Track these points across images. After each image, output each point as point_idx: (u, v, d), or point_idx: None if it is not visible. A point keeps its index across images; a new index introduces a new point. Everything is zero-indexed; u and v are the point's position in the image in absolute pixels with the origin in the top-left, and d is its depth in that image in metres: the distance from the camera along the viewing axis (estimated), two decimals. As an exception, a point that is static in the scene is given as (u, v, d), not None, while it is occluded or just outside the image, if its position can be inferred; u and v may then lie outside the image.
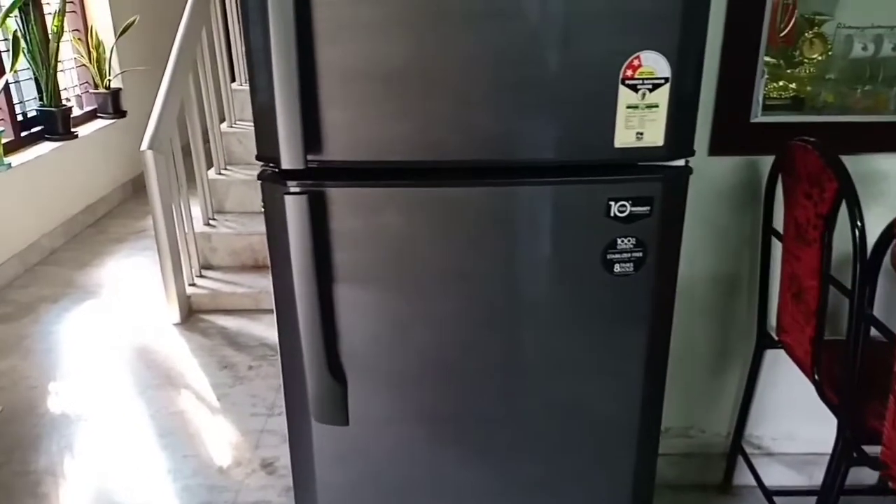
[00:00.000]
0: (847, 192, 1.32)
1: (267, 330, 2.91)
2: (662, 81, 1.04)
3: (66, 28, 3.88)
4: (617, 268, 1.14)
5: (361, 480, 1.34)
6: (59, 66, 3.93)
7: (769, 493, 1.84)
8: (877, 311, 1.34)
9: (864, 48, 1.63)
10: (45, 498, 1.99)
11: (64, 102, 3.97)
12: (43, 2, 3.86)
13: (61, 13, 3.79)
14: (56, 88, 3.86)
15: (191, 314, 3.06)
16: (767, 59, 1.60)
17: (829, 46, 1.65)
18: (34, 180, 3.61)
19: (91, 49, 4.26)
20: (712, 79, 1.56)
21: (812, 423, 1.84)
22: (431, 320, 1.20)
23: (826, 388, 1.49)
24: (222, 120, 3.68)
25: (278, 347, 1.25)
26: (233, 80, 3.90)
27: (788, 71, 1.68)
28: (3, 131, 3.44)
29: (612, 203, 1.10)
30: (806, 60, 1.67)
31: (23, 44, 3.57)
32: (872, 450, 1.39)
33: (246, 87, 3.88)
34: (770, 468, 1.94)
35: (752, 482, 1.89)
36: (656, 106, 1.05)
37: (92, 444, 2.22)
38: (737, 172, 1.68)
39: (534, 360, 1.23)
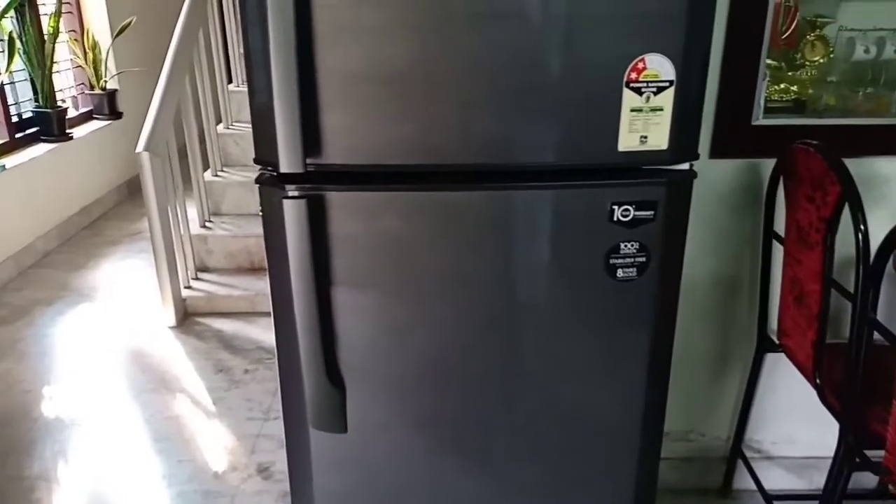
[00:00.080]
0: (850, 196, 1.31)
1: (263, 333, 2.89)
2: (667, 84, 1.02)
3: (62, 29, 3.87)
4: (620, 273, 1.13)
5: (359, 487, 1.32)
6: (55, 67, 3.91)
7: (769, 497, 1.83)
8: (879, 315, 1.33)
9: (866, 51, 1.63)
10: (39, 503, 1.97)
11: (59, 104, 3.95)
12: (39, 2, 3.84)
13: (57, 14, 3.77)
14: (52, 89, 3.84)
15: (186, 317, 3.04)
16: (769, 61, 1.59)
17: (831, 49, 1.64)
18: (29, 182, 3.58)
19: (87, 50, 4.24)
20: (714, 81, 1.55)
21: (812, 427, 1.84)
22: (432, 325, 1.19)
23: (827, 392, 1.48)
24: (219, 121, 3.67)
25: (275, 353, 1.23)
26: (230, 81, 3.89)
27: (790, 73, 1.67)
28: (-3, 133, 3.42)
29: (616, 207, 1.09)
30: (807, 63, 1.66)
31: (18, 44, 3.55)
32: (874, 454, 1.38)
33: (242, 88, 3.87)
34: (770, 472, 1.93)
35: (752, 486, 1.88)
36: (661, 109, 1.03)
37: (86, 449, 2.20)
38: (738, 175, 1.67)
39: (535, 366, 1.22)
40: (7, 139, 3.60)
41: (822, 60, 1.66)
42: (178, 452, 2.17)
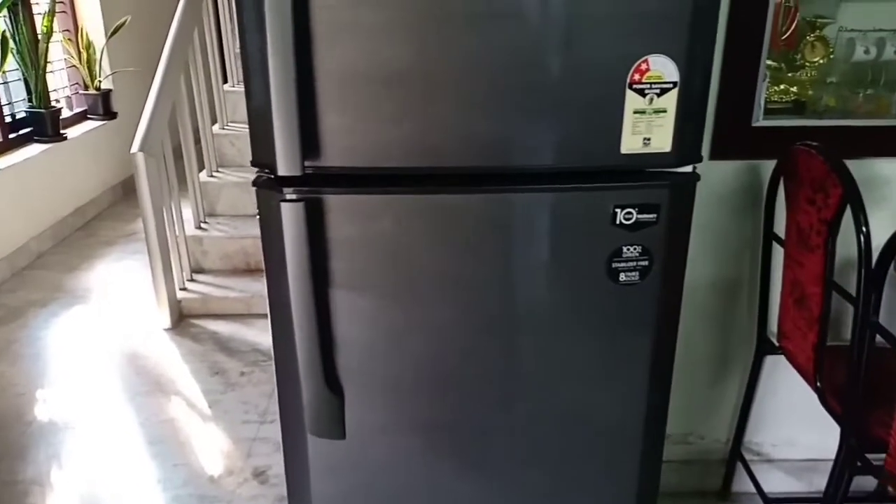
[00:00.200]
0: (852, 198, 1.30)
1: (259, 335, 2.88)
2: (671, 86, 1.01)
3: (55, 28, 3.84)
4: (622, 277, 1.11)
5: (358, 492, 1.31)
6: (49, 67, 3.88)
7: (768, 500, 1.82)
8: (880, 317, 1.32)
9: (866, 51, 1.62)
10: (33, 508, 1.95)
11: (53, 104, 3.92)
12: (32, 2, 3.81)
13: (51, 13, 3.74)
14: (45, 89, 3.81)
15: (181, 319, 3.02)
16: (768, 62, 1.58)
17: (831, 50, 1.63)
18: (23, 183, 3.55)
19: (81, 50, 4.21)
20: (714, 82, 1.54)
21: (812, 430, 1.83)
22: (432, 329, 1.18)
23: (828, 395, 1.47)
24: (214, 121, 3.64)
25: (273, 358, 1.22)
26: (225, 81, 3.86)
27: (790, 74, 1.66)
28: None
29: (618, 210, 1.07)
30: (807, 64, 1.65)
31: (11, 44, 3.52)
32: (875, 457, 1.38)
33: (238, 88, 3.85)
34: (769, 475, 1.92)
35: (752, 489, 1.87)
36: (664, 111, 1.02)
37: (80, 453, 2.18)
38: (738, 177, 1.66)
39: (535, 369, 1.21)
40: (0, 140, 3.57)
41: (821, 61, 1.65)
42: (174, 456, 2.15)
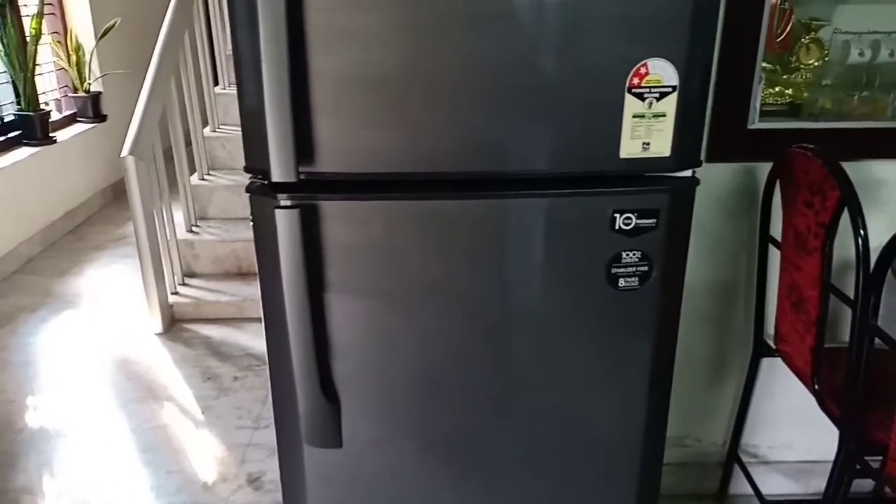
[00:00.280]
0: (850, 201, 1.30)
1: (252, 339, 2.85)
2: (670, 90, 1.00)
3: (44, 30, 3.80)
4: (622, 282, 1.10)
5: (355, 500, 1.29)
6: (38, 70, 3.84)
7: (766, 502, 1.82)
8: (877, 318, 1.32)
9: (861, 54, 1.62)
10: (24, 518, 1.93)
11: (42, 107, 3.88)
12: (20, 3, 3.78)
13: (39, 15, 3.70)
14: (34, 92, 3.77)
15: (173, 323, 2.99)
16: (764, 64, 1.57)
17: (826, 52, 1.63)
18: (11, 187, 3.52)
19: (70, 52, 4.17)
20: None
21: (809, 431, 1.82)
22: (430, 337, 1.16)
23: (826, 398, 1.46)
24: (205, 124, 3.62)
25: (267, 366, 1.20)
26: (216, 83, 3.84)
27: (785, 77, 1.66)
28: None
29: (618, 216, 1.06)
30: (802, 66, 1.65)
31: (-1, 46, 3.48)
32: (875, 459, 1.37)
33: (229, 90, 3.83)
34: (767, 477, 1.92)
35: (748, 491, 1.87)
36: (663, 115, 1.01)
37: (72, 461, 2.15)
38: (734, 179, 1.66)
39: (534, 377, 1.20)
40: (-12, 143, 3.54)
41: (817, 63, 1.65)
42: (167, 463, 2.13)
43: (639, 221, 1.07)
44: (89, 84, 4.30)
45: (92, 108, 4.33)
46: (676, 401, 1.81)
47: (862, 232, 1.29)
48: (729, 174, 1.65)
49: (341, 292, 1.12)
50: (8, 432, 2.28)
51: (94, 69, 4.32)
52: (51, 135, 3.90)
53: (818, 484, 1.90)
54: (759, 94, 1.58)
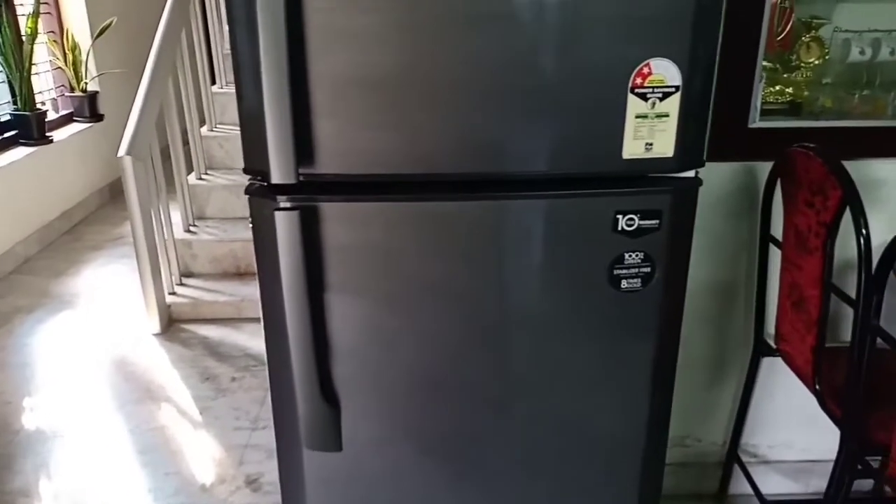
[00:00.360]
0: (852, 200, 1.29)
1: (250, 339, 2.84)
2: (673, 90, 0.99)
3: (40, 30, 3.78)
4: (624, 284, 1.10)
5: (355, 501, 1.28)
6: (34, 69, 3.83)
7: (766, 502, 1.81)
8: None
9: (862, 52, 1.61)
10: (21, 520, 1.92)
11: (39, 106, 3.86)
12: (16, 3, 3.76)
13: (35, 14, 3.68)
14: (30, 92, 3.75)
15: (171, 324, 2.98)
16: (764, 63, 1.57)
17: (827, 50, 1.63)
18: (8, 187, 3.50)
19: (67, 51, 4.15)
20: (710, 84, 1.53)
21: (809, 431, 1.82)
22: (431, 339, 1.15)
23: (827, 398, 1.46)
24: (202, 123, 3.60)
25: (265, 367, 1.19)
26: (213, 82, 3.82)
27: (785, 75, 1.65)
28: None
29: (620, 217, 1.06)
30: (803, 65, 1.65)
31: (-6, 46, 3.47)
32: (875, 458, 1.37)
33: (226, 89, 3.81)
34: (767, 476, 1.91)
35: (748, 490, 1.87)
36: (666, 115, 1.00)
37: (69, 463, 2.14)
38: (734, 178, 1.65)
39: (536, 379, 1.19)
40: (-16, 143, 3.52)
41: (817, 62, 1.65)
42: (165, 465, 2.12)
43: (641, 222, 1.06)
44: (86, 83, 4.28)
45: (88, 108, 4.31)
46: (676, 401, 1.80)
47: (864, 232, 1.28)
48: (729, 173, 1.64)
49: (341, 294, 1.11)
50: (4, 434, 2.27)
51: (91, 68, 4.31)
52: (47, 134, 3.88)
53: (818, 483, 1.90)
54: (760, 93, 1.57)
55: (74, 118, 4.31)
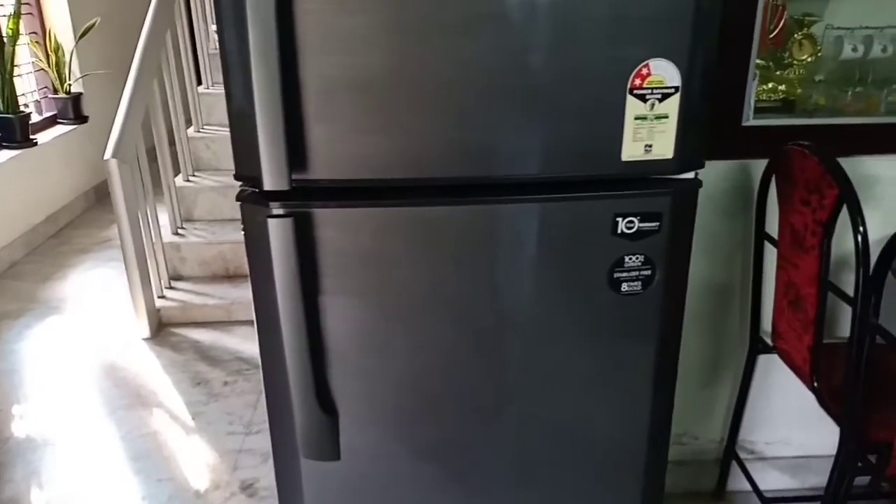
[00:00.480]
0: (849, 199, 1.29)
1: (241, 343, 2.82)
2: (672, 91, 0.98)
3: (22, 31, 3.73)
4: (624, 287, 1.08)
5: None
6: (16, 71, 3.78)
7: (764, 499, 1.81)
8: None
9: (854, 49, 1.61)
10: (11, 531, 1.89)
11: (22, 108, 3.81)
12: (-4, 4, 3.71)
13: (17, 15, 3.63)
14: (13, 94, 3.70)
15: (161, 328, 2.95)
16: (757, 61, 1.56)
17: (819, 48, 1.62)
18: (-9, 190, 3.46)
19: (49, 52, 4.09)
20: (704, 82, 1.52)
21: (806, 427, 1.82)
22: (427, 346, 1.14)
23: (826, 396, 1.46)
24: (189, 124, 3.57)
25: (259, 370, 1.17)
26: (199, 83, 3.78)
27: (778, 73, 1.64)
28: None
29: (620, 219, 1.04)
30: (795, 62, 1.64)
31: (-25, 48, 3.41)
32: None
33: (213, 90, 3.77)
34: (764, 473, 1.91)
35: (746, 487, 1.87)
36: (666, 117, 0.99)
37: (60, 471, 2.11)
38: (728, 177, 1.64)
39: (534, 384, 1.17)
40: (-33, 146, 3.47)
41: (809, 59, 1.64)
42: (158, 471, 2.10)
43: (641, 225, 1.05)
44: (69, 85, 4.23)
45: (73, 110, 4.26)
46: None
47: (861, 230, 1.28)
48: (724, 172, 1.64)
49: (335, 300, 1.09)
50: (-7, 443, 2.24)
51: (75, 70, 4.25)
52: (31, 137, 3.83)
53: (816, 479, 1.90)
54: (753, 91, 1.56)
55: (58, 120, 4.26)
